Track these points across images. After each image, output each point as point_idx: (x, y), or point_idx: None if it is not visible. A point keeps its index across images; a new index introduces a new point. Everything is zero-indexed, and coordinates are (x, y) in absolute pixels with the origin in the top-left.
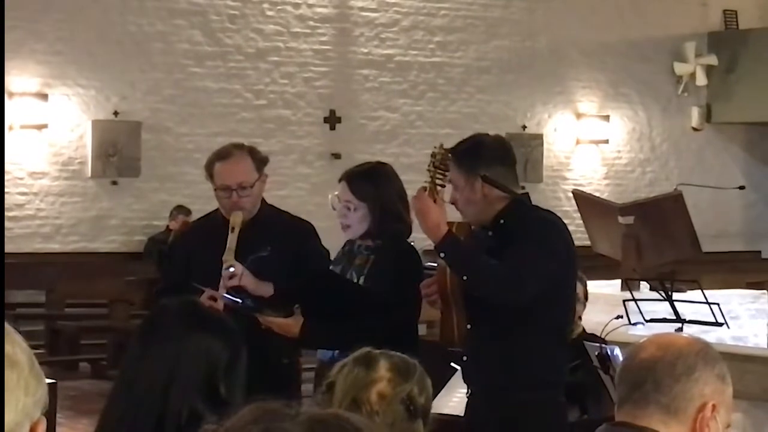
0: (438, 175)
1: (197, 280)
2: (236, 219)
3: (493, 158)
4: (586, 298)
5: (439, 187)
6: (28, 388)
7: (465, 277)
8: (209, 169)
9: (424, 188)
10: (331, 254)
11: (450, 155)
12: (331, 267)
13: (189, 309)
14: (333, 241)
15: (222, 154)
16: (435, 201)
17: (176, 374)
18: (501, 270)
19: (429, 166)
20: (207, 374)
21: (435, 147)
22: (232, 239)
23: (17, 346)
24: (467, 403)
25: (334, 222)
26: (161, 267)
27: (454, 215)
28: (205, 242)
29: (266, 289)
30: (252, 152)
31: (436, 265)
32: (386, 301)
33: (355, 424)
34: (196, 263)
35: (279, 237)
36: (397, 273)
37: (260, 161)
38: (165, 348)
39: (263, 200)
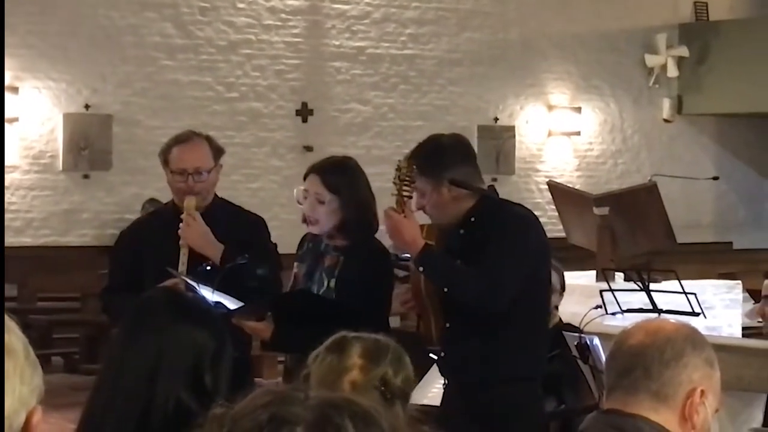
0: (405, 187)
1: (155, 272)
2: (190, 203)
3: (455, 160)
4: (563, 288)
5: (406, 199)
6: (23, 376)
7: (445, 290)
8: (166, 153)
9: (393, 208)
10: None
11: (413, 165)
12: (296, 263)
13: (175, 299)
14: (302, 234)
15: (180, 139)
16: (404, 212)
17: (162, 365)
18: (479, 280)
19: (395, 179)
20: (193, 365)
21: (399, 160)
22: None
23: (13, 334)
24: (443, 393)
25: (300, 216)
26: (110, 263)
27: (423, 218)
28: (159, 234)
29: (215, 251)
30: (210, 140)
31: (409, 255)
32: (358, 308)
33: (366, 408)
34: (151, 256)
35: (230, 230)
36: (367, 276)
37: (217, 150)
38: (151, 338)
39: (215, 193)
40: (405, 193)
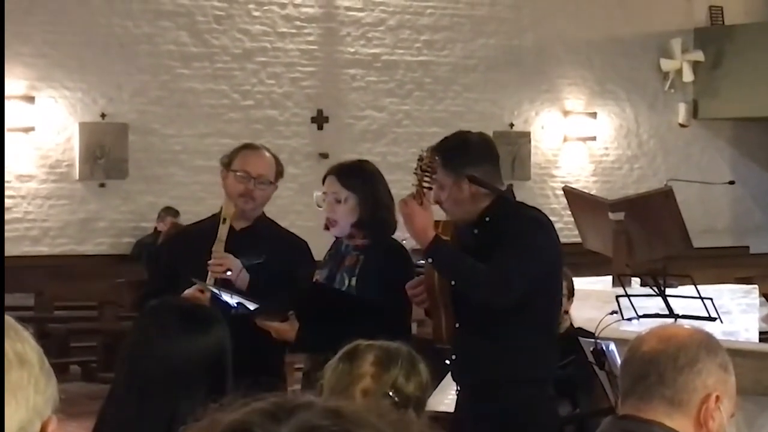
0: (425, 178)
1: (187, 278)
2: (228, 210)
3: (480, 157)
4: (571, 293)
5: (426, 190)
6: (38, 386)
7: (453, 282)
8: (231, 156)
9: (412, 195)
10: (320, 254)
11: (437, 156)
12: (317, 271)
13: (193, 312)
14: (321, 240)
15: (251, 146)
16: (422, 204)
17: (176, 372)
18: (488, 275)
19: (416, 169)
20: (211, 371)
21: (422, 150)
22: (222, 230)
23: (27, 344)
24: (456, 399)
25: (322, 222)
26: (148, 270)
27: (439, 213)
28: (197, 243)
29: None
30: (276, 159)
31: (424, 262)
32: (379, 304)
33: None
34: (185, 264)
35: (271, 247)
36: (387, 273)
37: (279, 171)
38: (161, 347)
39: (263, 212)
40: (425, 184)
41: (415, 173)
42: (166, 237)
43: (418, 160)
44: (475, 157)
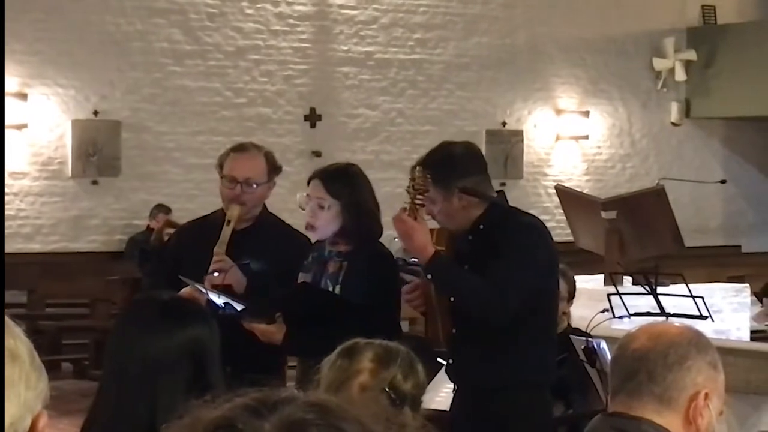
0: (418, 196)
1: (189, 275)
2: (233, 212)
3: (467, 168)
4: (572, 295)
5: (419, 206)
6: (29, 382)
7: (452, 299)
8: (222, 158)
9: (404, 209)
10: None
11: (427, 174)
12: (300, 274)
13: (172, 305)
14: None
15: (239, 147)
16: (416, 219)
17: (158, 367)
18: (486, 290)
19: (408, 188)
20: (190, 366)
21: (415, 168)
22: (226, 232)
23: (18, 340)
24: (453, 399)
25: (304, 223)
26: (143, 267)
27: (433, 222)
28: (202, 239)
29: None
30: (268, 156)
31: (417, 260)
32: (366, 309)
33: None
34: (189, 260)
35: (273, 247)
36: (372, 279)
37: (273, 167)
38: (142, 343)
39: (265, 207)
40: (418, 202)
41: (407, 191)
42: (158, 234)
43: (410, 179)
44: (462, 169)
